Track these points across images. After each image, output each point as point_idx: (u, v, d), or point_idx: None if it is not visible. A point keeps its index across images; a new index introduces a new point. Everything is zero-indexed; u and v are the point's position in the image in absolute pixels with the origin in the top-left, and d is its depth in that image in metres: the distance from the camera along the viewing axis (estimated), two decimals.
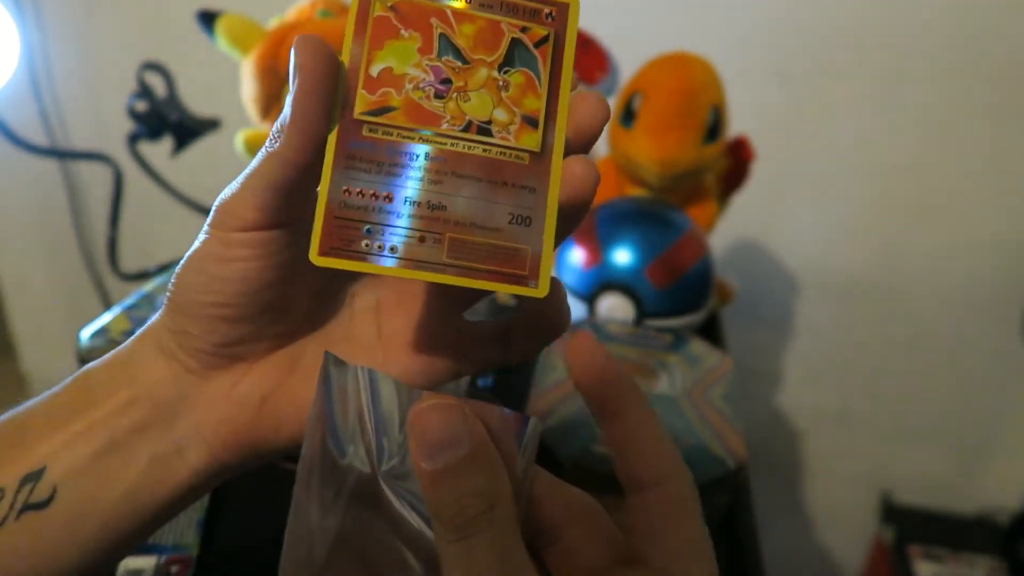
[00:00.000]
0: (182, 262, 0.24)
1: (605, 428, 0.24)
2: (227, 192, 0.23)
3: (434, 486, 0.19)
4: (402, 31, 0.23)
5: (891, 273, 0.95)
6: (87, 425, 0.23)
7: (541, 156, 0.23)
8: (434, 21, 0.23)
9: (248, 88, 0.64)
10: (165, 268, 0.60)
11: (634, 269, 0.58)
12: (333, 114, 0.22)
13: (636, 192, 0.67)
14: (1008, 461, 1.04)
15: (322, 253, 0.22)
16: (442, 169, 0.23)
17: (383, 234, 0.22)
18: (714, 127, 0.62)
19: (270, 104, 0.64)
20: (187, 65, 0.79)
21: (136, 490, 0.23)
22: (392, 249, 0.22)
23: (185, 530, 0.42)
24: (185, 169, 0.84)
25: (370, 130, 0.23)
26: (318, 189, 0.22)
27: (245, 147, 0.66)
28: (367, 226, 0.22)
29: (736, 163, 0.70)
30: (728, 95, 0.64)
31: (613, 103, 0.67)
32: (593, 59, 0.69)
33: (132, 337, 0.25)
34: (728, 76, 0.64)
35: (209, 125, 0.78)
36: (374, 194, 0.22)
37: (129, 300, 0.54)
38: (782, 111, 0.89)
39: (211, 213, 0.23)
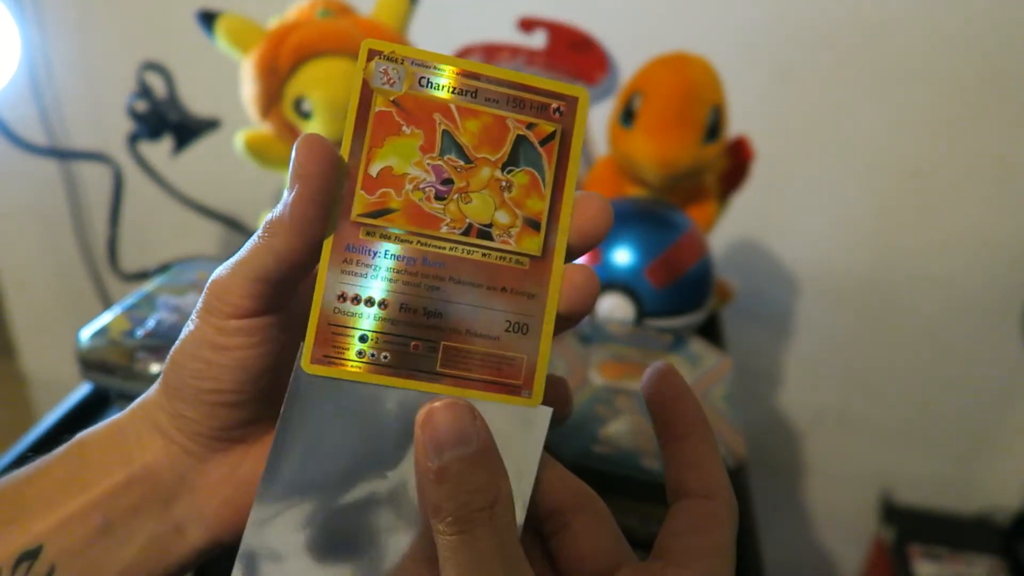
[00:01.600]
0: (176, 345, 0.23)
1: (666, 445, 0.24)
2: (219, 274, 0.22)
3: (440, 482, 0.20)
4: (404, 128, 0.22)
5: (891, 273, 0.95)
6: (83, 506, 0.22)
7: (542, 260, 0.23)
8: (438, 117, 0.22)
9: (248, 88, 0.64)
10: (165, 268, 0.60)
11: (634, 269, 0.58)
12: (332, 216, 0.22)
13: (636, 192, 0.67)
14: (1008, 461, 1.04)
15: (315, 361, 0.21)
16: (440, 275, 0.22)
17: (377, 342, 0.22)
18: (714, 127, 0.62)
19: (270, 104, 0.64)
20: (187, 65, 0.79)
21: (134, 567, 0.23)
22: (385, 357, 0.22)
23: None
24: (185, 169, 0.84)
25: (367, 232, 0.22)
26: (313, 294, 0.22)
27: (245, 147, 0.66)
28: (360, 333, 0.22)
29: (736, 163, 0.70)
30: (728, 95, 0.64)
31: (613, 103, 0.67)
32: (593, 59, 0.69)
33: (127, 409, 0.25)
34: (728, 76, 0.64)
35: (209, 125, 0.78)
36: (369, 299, 0.22)
37: (129, 300, 0.54)
38: (782, 111, 0.89)
39: (203, 295, 0.22)
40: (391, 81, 0.22)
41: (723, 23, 0.86)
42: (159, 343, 0.49)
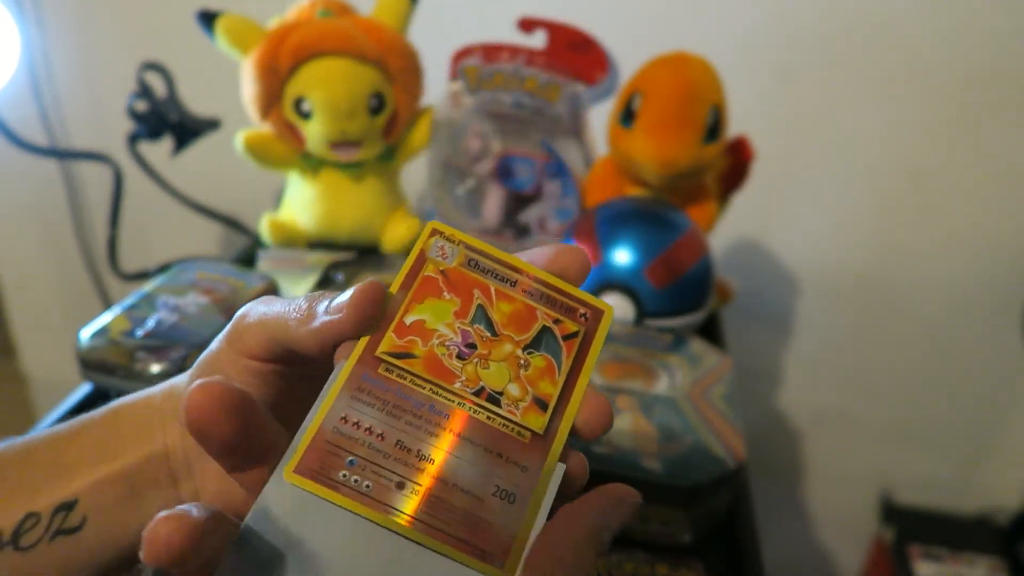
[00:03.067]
0: (203, 356, 0.26)
1: None
2: (248, 314, 0.25)
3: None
4: (445, 293, 0.25)
5: (891, 273, 0.95)
6: (114, 472, 0.26)
7: (543, 439, 0.23)
8: (476, 292, 0.25)
9: (248, 88, 0.64)
10: (165, 268, 0.60)
11: (634, 269, 0.58)
12: (357, 345, 0.23)
13: (636, 192, 0.68)
14: (1008, 461, 1.04)
15: (297, 471, 0.21)
16: (443, 424, 0.23)
17: (364, 469, 0.22)
18: (714, 127, 0.62)
19: (270, 104, 0.64)
20: (187, 65, 0.80)
21: None
22: (368, 487, 0.22)
23: None
24: (185, 169, 0.84)
25: (386, 369, 0.23)
26: (314, 405, 0.23)
27: (245, 147, 0.66)
28: (351, 458, 0.22)
29: (736, 163, 0.70)
30: (728, 95, 0.64)
31: (613, 103, 0.67)
32: (593, 59, 0.69)
33: (161, 387, 0.27)
34: (728, 76, 0.64)
35: (209, 125, 0.78)
36: (369, 429, 0.22)
37: (129, 300, 0.54)
38: (782, 111, 0.89)
39: (231, 323, 0.25)
40: (445, 255, 0.25)
41: (723, 23, 0.86)
42: (159, 343, 0.49)
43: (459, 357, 0.24)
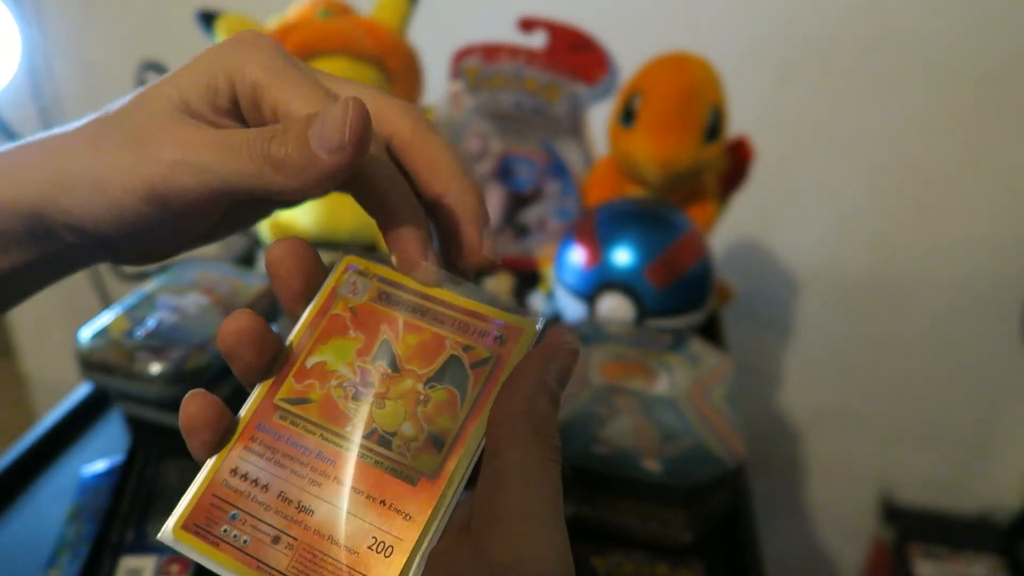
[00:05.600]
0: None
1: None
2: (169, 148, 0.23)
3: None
4: (350, 331, 0.24)
5: (891, 272, 0.95)
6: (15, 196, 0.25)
7: (431, 482, 0.21)
8: (383, 327, 0.24)
9: None
10: (165, 268, 0.60)
11: (634, 269, 0.58)
12: (255, 395, 0.23)
13: (636, 192, 0.68)
14: (1008, 461, 1.04)
15: (184, 527, 0.21)
16: (328, 472, 0.22)
17: (244, 524, 0.21)
18: (714, 127, 0.62)
19: None
20: None
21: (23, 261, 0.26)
22: (245, 542, 0.21)
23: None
24: None
25: (281, 416, 0.23)
26: (210, 459, 0.22)
27: None
28: (234, 512, 0.21)
29: (736, 163, 0.70)
30: (728, 95, 0.64)
31: (613, 103, 0.67)
32: (593, 59, 0.69)
33: (71, 128, 0.27)
34: (728, 76, 0.64)
35: None
36: (255, 481, 0.22)
37: (129, 300, 0.54)
38: (782, 111, 0.89)
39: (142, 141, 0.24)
40: (356, 291, 0.24)
41: (723, 23, 0.86)
42: (159, 343, 0.49)
43: (355, 398, 0.23)
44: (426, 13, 0.70)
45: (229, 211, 0.26)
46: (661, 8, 0.86)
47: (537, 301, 0.69)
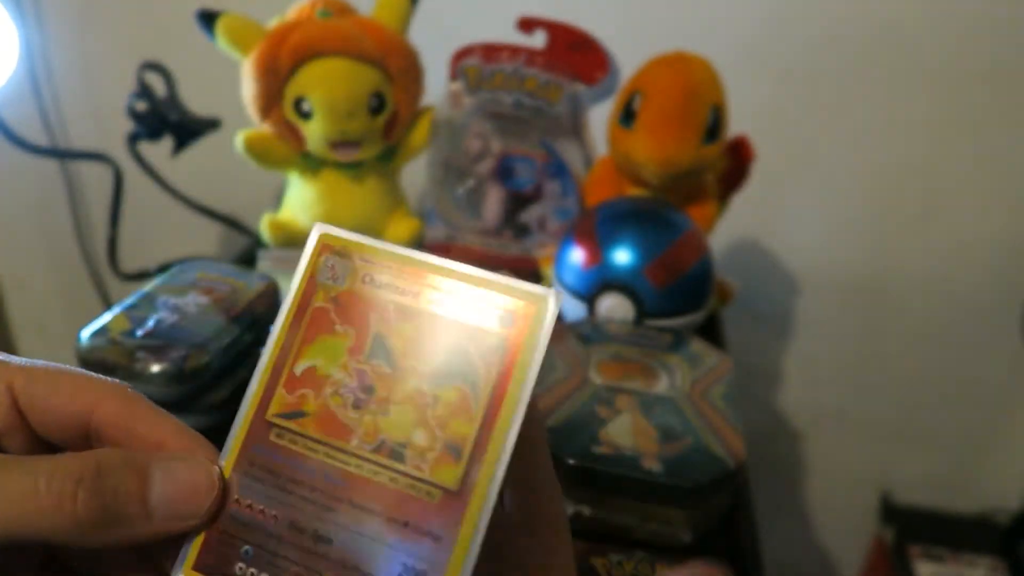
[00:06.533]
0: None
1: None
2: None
3: None
4: (337, 326, 0.21)
5: (891, 272, 0.95)
6: None
7: (457, 496, 0.19)
8: (373, 317, 0.20)
9: (248, 88, 0.64)
10: (165, 268, 0.60)
11: (634, 269, 0.58)
12: (246, 412, 0.20)
13: (636, 192, 0.67)
14: (1008, 461, 1.04)
15: (196, 567, 0.19)
16: (340, 495, 0.19)
17: (259, 560, 0.19)
18: (714, 127, 0.62)
19: (270, 104, 0.64)
20: (187, 65, 0.79)
21: None
22: None
23: None
24: (185, 169, 0.84)
25: (277, 435, 0.20)
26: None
27: (245, 147, 0.66)
28: (246, 547, 0.19)
29: (736, 163, 0.70)
30: (728, 95, 0.64)
31: (613, 103, 0.67)
32: (593, 59, 0.69)
33: None
34: (728, 76, 0.64)
35: (209, 125, 0.78)
36: (263, 510, 0.20)
37: (129, 300, 0.54)
38: (782, 111, 0.89)
39: None
40: (335, 277, 0.21)
41: (723, 23, 0.86)
42: (159, 343, 0.49)
43: (355, 407, 0.20)
44: (426, 13, 0.70)
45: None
46: (661, 8, 0.86)
47: None
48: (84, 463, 0.17)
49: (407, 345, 0.20)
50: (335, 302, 0.21)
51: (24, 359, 0.19)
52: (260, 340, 0.53)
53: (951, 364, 0.99)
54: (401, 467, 0.19)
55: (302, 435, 0.20)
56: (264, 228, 0.69)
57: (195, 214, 0.88)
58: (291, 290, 0.21)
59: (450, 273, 0.20)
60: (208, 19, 0.63)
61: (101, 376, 0.20)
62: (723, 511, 0.47)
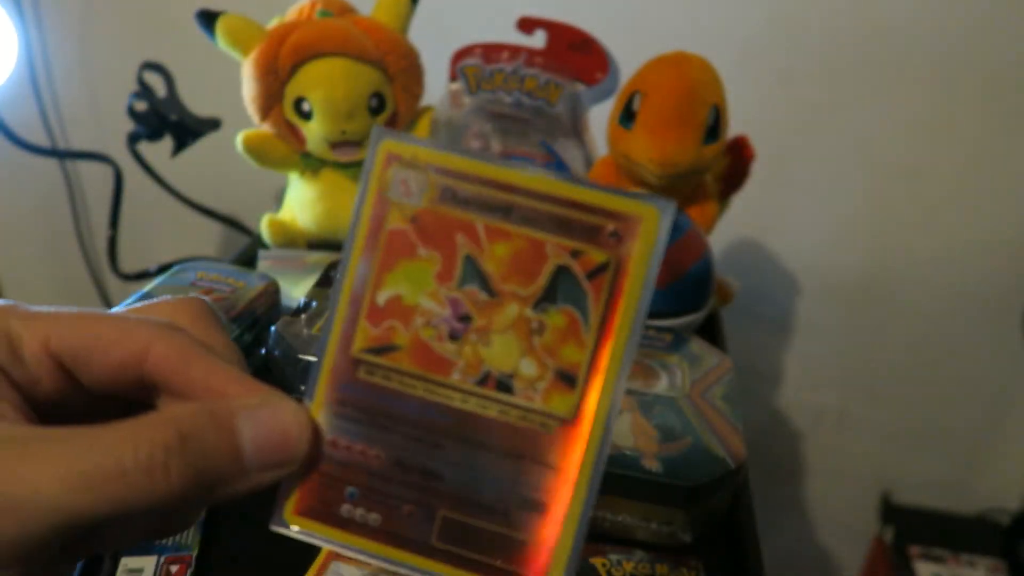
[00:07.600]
0: None
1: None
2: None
3: None
4: (420, 249, 0.19)
5: (891, 273, 0.95)
6: None
7: (572, 426, 0.18)
8: (460, 239, 0.19)
9: (248, 88, 0.64)
10: (165, 268, 0.60)
11: None
12: (328, 349, 0.19)
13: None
14: (1008, 461, 1.04)
15: (299, 512, 0.19)
16: (446, 430, 0.19)
17: (367, 499, 0.19)
18: (714, 127, 0.62)
19: (270, 104, 0.64)
20: (187, 65, 0.80)
21: None
22: (375, 519, 0.19)
23: (186, 530, 0.42)
24: (185, 169, 0.84)
25: (367, 371, 0.19)
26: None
27: (245, 147, 0.66)
28: (351, 489, 0.19)
29: (736, 163, 0.70)
30: (728, 95, 0.64)
31: (613, 103, 0.67)
32: (593, 59, 0.69)
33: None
34: (728, 76, 0.64)
35: (209, 125, 0.78)
36: (363, 451, 0.19)
37: (129, 300, 0.54)
38: (782, 111, 0.89)
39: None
40: (409, 192, 0.19)
41: (723, 23, 0.86)
42: None
43: (452, 337, 0.19)
44: (426, 13, 0.70)
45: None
46: (661, 8, 0.86)
47: None
48: (166, 428, 0.16)
49: (503, 268, 0.18)
50: (414, 222, 0.19)
51: (53, 307, 0.18)
52: (260, 340, 0.53)
53: (951, 364, 0.99)
54: (510, 399, 0.18)
55: (396, 370, 0.19)
56: (264, 228, 0.69)
57: (195, 214, 0.88)
58: (357, 210, 0.19)
59: (546, 184, 0.18)
60: (208, 19, 0.63)
61: (144, 317, 0.18)
62: (723, 511, 0.47)
